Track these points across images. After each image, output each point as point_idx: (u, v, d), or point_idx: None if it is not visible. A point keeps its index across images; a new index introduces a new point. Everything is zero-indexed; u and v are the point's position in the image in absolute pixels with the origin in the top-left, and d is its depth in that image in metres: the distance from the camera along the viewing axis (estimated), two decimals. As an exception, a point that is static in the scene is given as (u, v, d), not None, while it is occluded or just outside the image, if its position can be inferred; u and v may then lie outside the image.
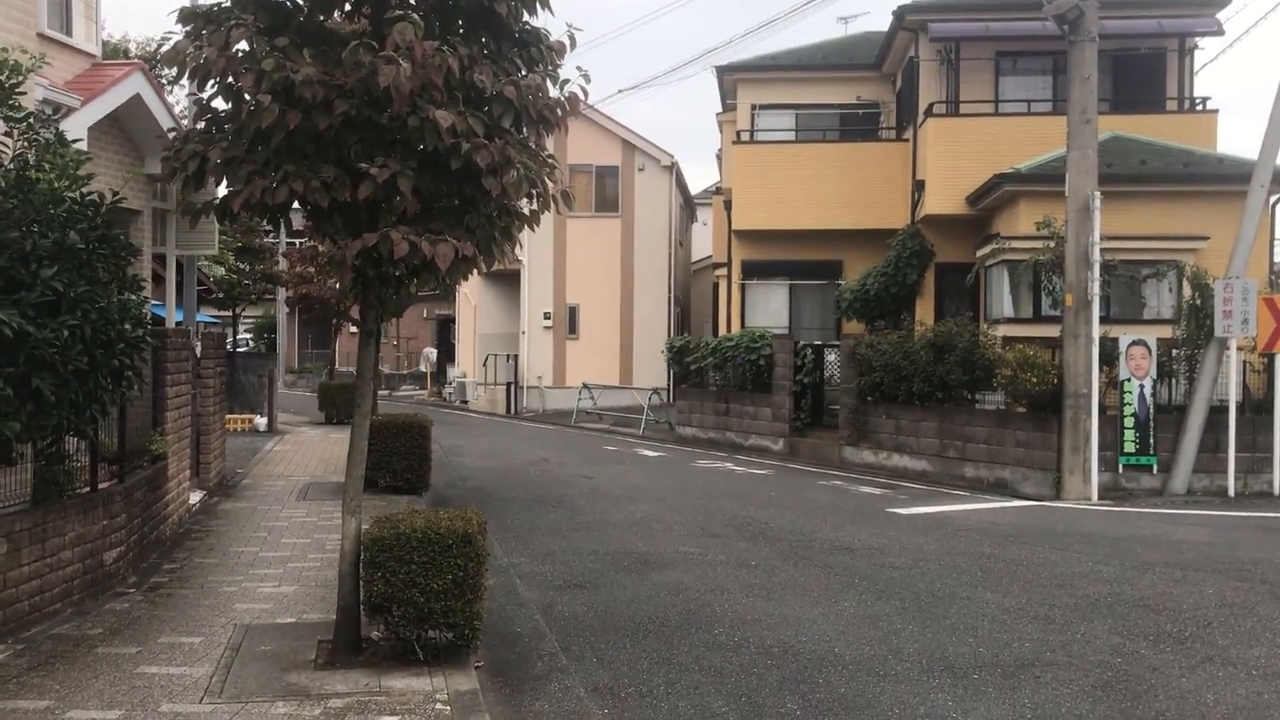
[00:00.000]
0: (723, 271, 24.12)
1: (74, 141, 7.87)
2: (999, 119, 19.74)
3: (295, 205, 6.36)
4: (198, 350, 12.96)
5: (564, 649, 7.10)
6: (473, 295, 33.19)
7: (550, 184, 6.64)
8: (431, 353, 43.16)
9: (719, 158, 34.20)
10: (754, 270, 22.78)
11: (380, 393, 28.89)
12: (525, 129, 6.51)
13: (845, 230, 21.69)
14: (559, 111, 6.49)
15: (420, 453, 13.43)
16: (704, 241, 40.78)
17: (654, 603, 8.35)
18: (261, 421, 22.12)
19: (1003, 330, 16.94)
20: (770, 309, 22.66)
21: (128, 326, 7.26)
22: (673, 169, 30.76)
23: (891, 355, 16.85)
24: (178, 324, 14.51)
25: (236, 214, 6.39)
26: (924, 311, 19.88)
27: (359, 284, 6.73)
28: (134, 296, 7.55)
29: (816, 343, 19.87)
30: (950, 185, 19.14)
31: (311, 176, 5.92)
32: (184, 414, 10.90)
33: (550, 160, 6.75)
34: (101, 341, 6.95)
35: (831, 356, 19.17)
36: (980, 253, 18.59)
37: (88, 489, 7.82)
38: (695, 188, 40.09)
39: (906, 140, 21.59)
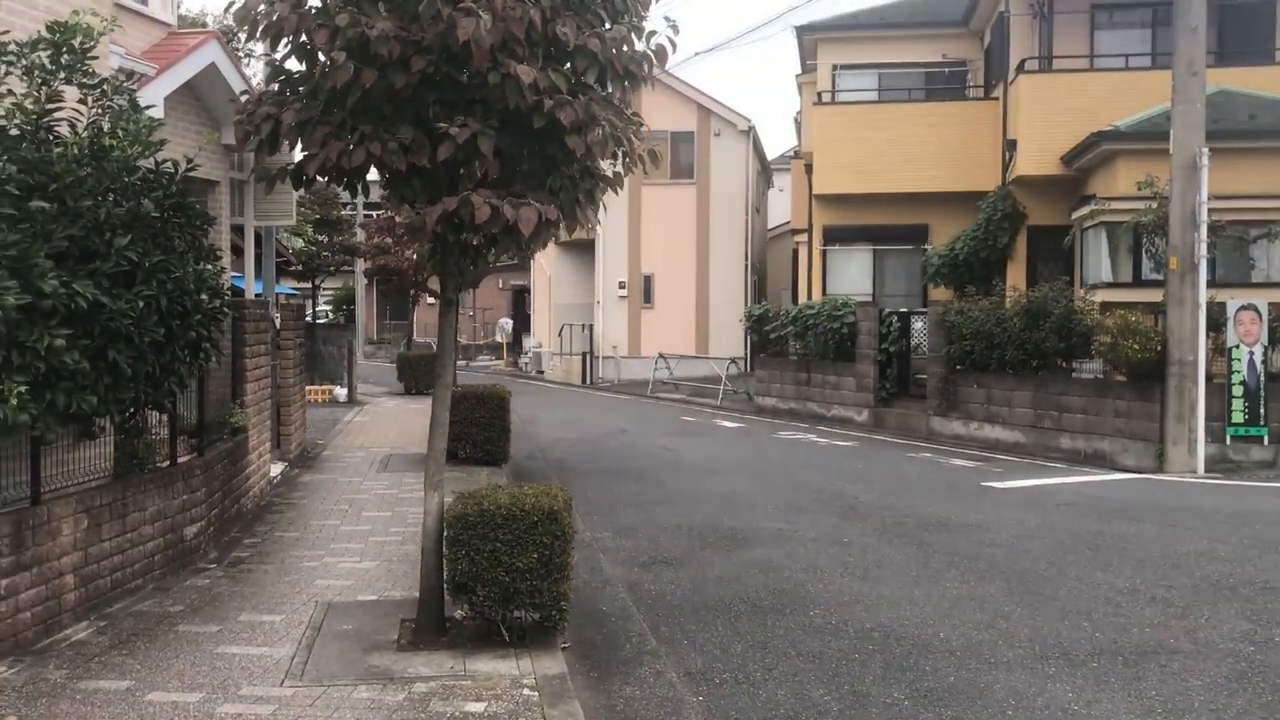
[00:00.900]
0: (803, 237, 23.55)
1: (148, 108, 7.73)
2: (1095, 74, 18.82)
3: (373, 172, 6.12)
4: (277, 321, 12.90)
5: (653, 630, 6.81)
6: (547, 265, 33.02)
7: (636, 142, 6.28)
8: (507, 323, 43.20)
9: (797, 122, 33.48)
10: (836, 235, 22.17)
11: (457, 363, 28.88)
12: (610, 85, 6.14)
13: (931, 193, 20.95)
14: (645, 66, 6.11)
15: (500, 424, 13.24)
16: (780, 208, 40.09)
17: (744, 582, 8.02)
18: (341, 392, 22.21)
19: (1101, 295, 16.18)
20: (852, 276, 22.05)
21: (204, 297, 7.10)
22: (750, 134, 30.13)
23: (983, 322, 16.21)
24: (257, 295, 14.49)
25: (312, 179, 6.16)
26: (1015, 276, 19.12)
27: (438, 252, 6.46)
28: (210, 266, 7.39)
29: (902, 310, 19.26)
30: (1043, 145, 18.31)
31: (389, 138, 5.64)
32: (263, 386, 10.81)
33: (636, 118, 6.38)
34: (177, 313, 6.80)
35: (919, 324, 18.55)
36: (1076, 215, 17.79)
37: (167, 463, 7.71)
38: (772, 153, 39.34)
39: (996, 99, 20.74)
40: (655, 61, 6.15)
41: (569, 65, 5.83)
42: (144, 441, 7.49)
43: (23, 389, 5.36)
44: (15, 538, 5.83)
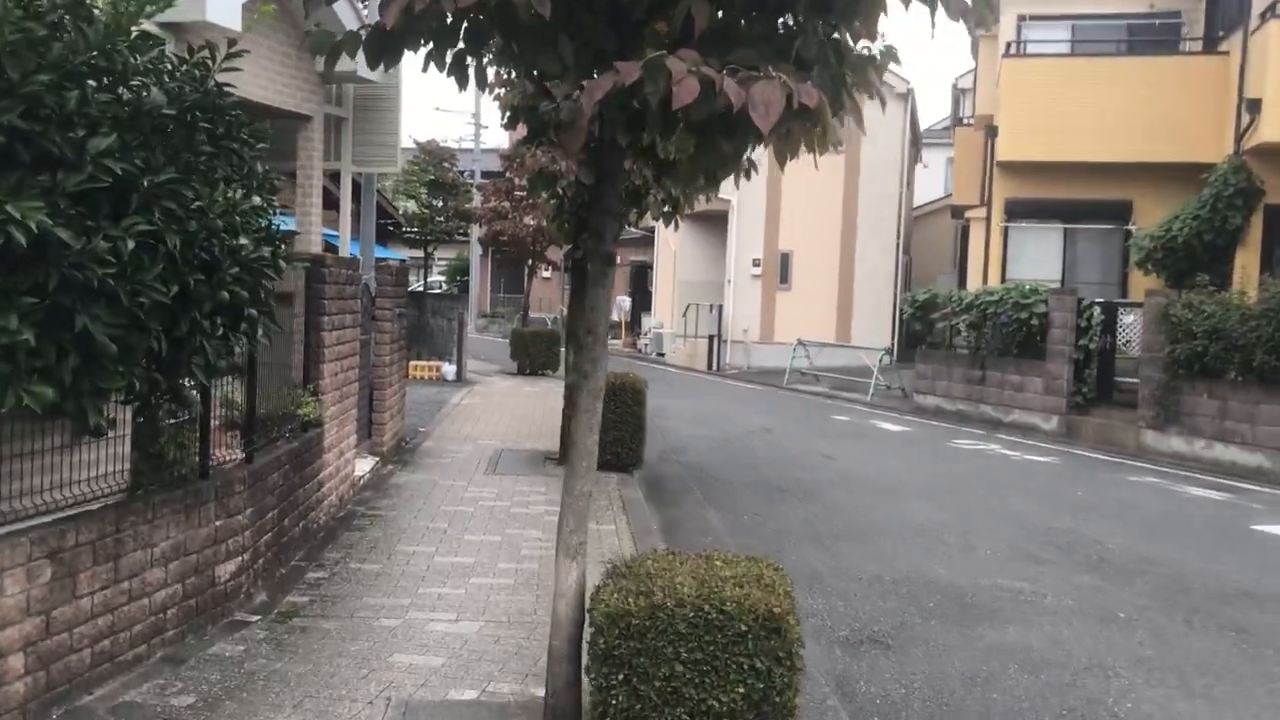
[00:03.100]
0: (977, 213, 20.53)
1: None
2: (1361, 21, 15.42)
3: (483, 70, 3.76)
4: (372, 286, 10.72)
5: (903, 789, 4.31)
6: (672, 240, 30.51)
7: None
8: (625, 301, 40.87)
9: (957, 89, 30.27)
10: (1020, 210, 19.10)
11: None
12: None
13: (1136, 164, 17.76)
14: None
15: (633, 421, 10.86)
16: (927, 185, 36.86)
17: (1004, 687, 5.46)
18: (450, 370, 20.19)
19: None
20: (1037, 258, 18.99)
21: (244, 242, 4.81)
22: (908, 97, 27.09)
23: (1222, 319, 13.17)
24: (352, 257, 12.36)
25: (397, 45, 3.79)
26: (1247, 263, 15.92)
27: (593, 167, 4.03)
28: (259, 200, 5.11)
29: (1106, 300, 16.22)
30: (1296, 105, 15.06)
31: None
32: (349, 366, 8.60)
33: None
34: (199, 262, 4.53)
35: (1129, 318, 15.53)
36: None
37: (196, 476, 5.49)
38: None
39: (1224, 53, 17.43)
40: None
41: None
42: (159, 446, 5.30)
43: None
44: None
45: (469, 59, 3.97)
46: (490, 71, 4.48)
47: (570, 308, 11.63)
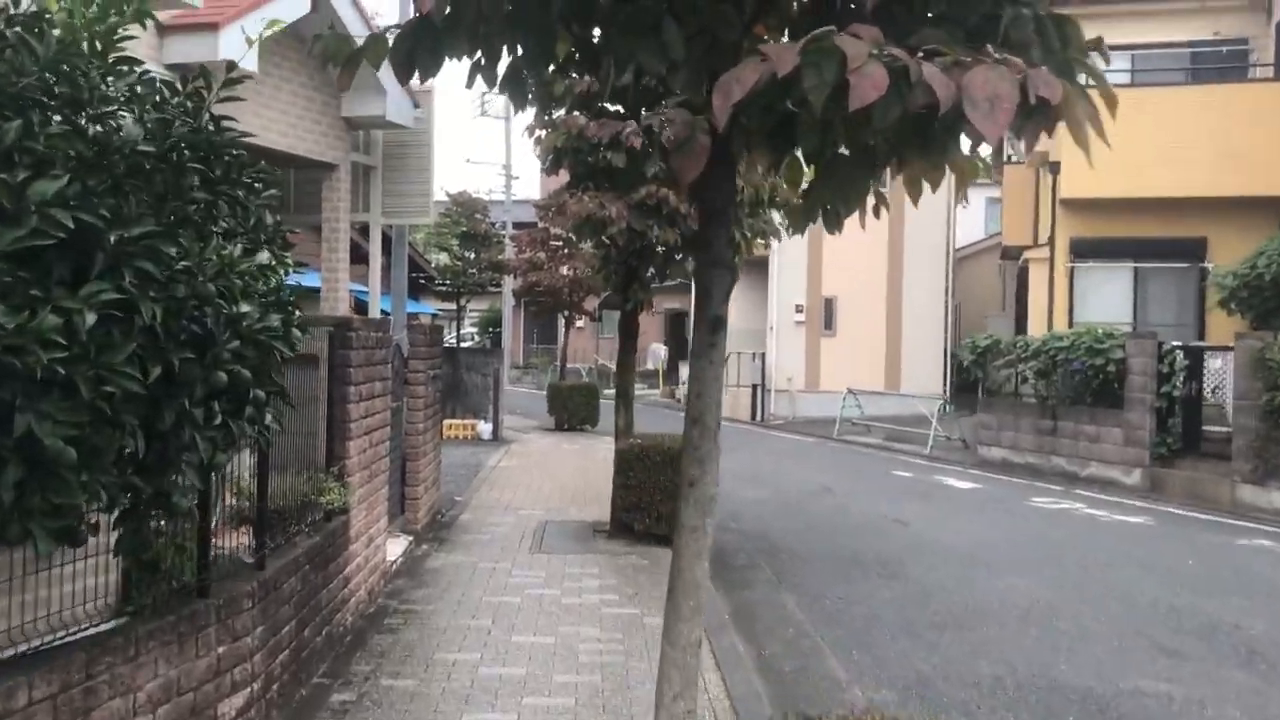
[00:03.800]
0: (1038, 253, 19.40)
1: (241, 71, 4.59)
2: None
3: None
4: (404, 348, 9.80)
5: None
6: (712, 286, 29.56)
7: None
8: (660, 349, 39.92)
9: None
10: (1087, 250, 18.00)
11: (605, 390, 25.65)
12: None
13: (1210, 198, 16.69)
14: None
15: (692, 491, 9.79)
16: (966, 226, 35.77)
17: None
18: (486, 428, 19.25)
19: None
20: (1105, 300, 17.87)
21: (245, 309, 3.86)
22: (953, 135, 26.12)
23: (1331, 363, 12.03)
24: (383, 314, 11.49)
25: (436, 47, 2.84)
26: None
27: (703, 201, 3.04)
28: (266, 257, 4.18)
29: (1189, 344, 15.07)
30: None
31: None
32: (379, 439, 7.64)
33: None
34: (189, 337, 3.59)
35: (1216, 362, 14.37)
36: None
37: (194, 593, 4.51)
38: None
39: (1303, 79, 16.41)
40: None
41: None
42: (175, 544, 4.37)
43: None
44: None
45: (526, 73, 3.00)
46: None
47: (619, 364, 10.67)
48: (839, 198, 3.17)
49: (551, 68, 3.10)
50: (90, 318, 3.11)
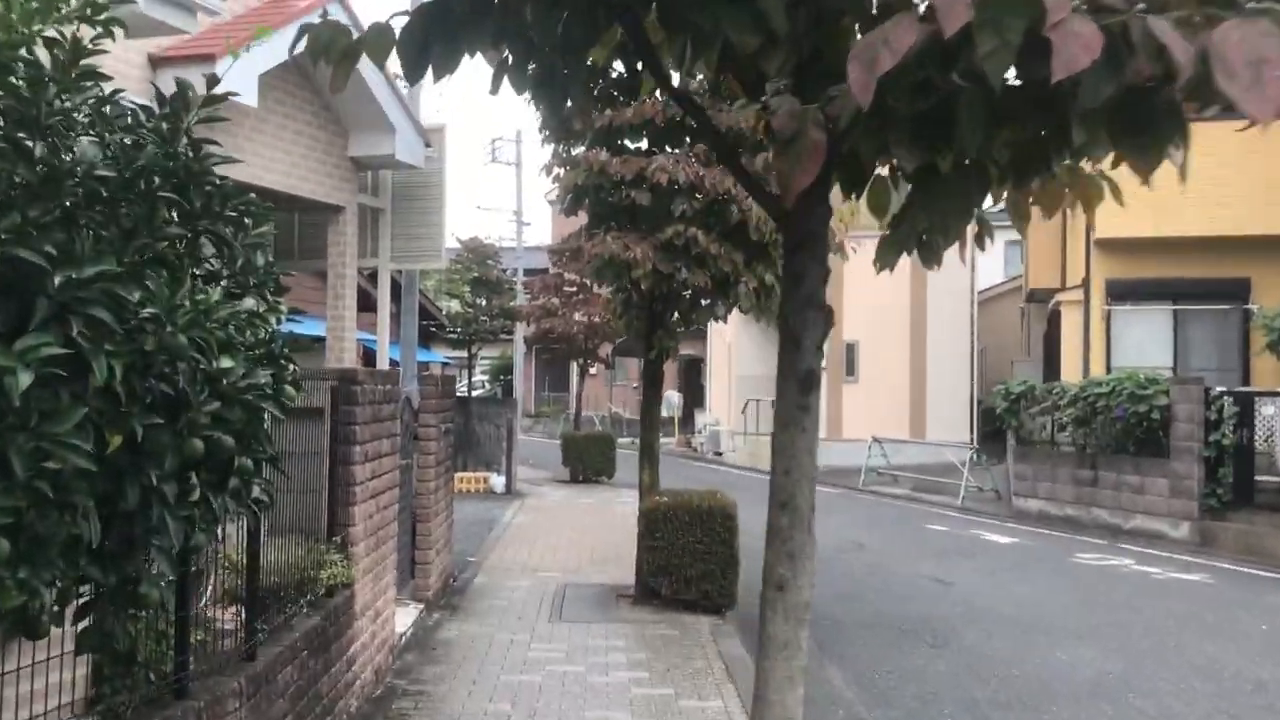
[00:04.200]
0: (1070, 295, 18.73)
1: (230, 95, 4.05)
2: None
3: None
4: (415, 400, 9.18)
5: None
6: (726, 332, 28.97)
7: None
8: (675, 396, 39.19)
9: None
10: (1124, 292, 17.34)
11: (620, 439, 24.95)
12: None
13: (1253, 237, 16.07)
14: None
15: (724, 552, 9.14)
16: (986, 269, 35.17)
17: None
18: (499, 481, 18.58)
19: None
20: (1144, 344, 17.18)
21: (226, 364, 3.25)
22: (974, 177, 25.62)
23: (1397, 409, 11.32)
24: (392, 364, 10.89)
25: (453, 39, 2.26)
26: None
27: (794, 222, 2.43)
28: (252, 303, 3.59)
29: (1239, 389, 14.37)
30: None
31: None
32: (386, 503, 7.00)
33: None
34: (158, 398, 3.00)
35: (1269, 409, 13.65)
36: None
37: (171, 694, 3.87)
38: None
39: (1345, 112, 15.80)
40: None
41: None
42: (156, 631, 3.76)
43: None
44: None
45: (564, 69, 2.41)
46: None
47: (643, 416, 10.04)
48: (939, 225, 2.56)
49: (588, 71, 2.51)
50: (25, 378, 2.51)
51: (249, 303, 3.64)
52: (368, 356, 12.59)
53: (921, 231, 2.69)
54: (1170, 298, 17.12)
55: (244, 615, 4.50)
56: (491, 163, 38.36)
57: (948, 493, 19.23)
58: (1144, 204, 16.00)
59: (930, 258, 2.81)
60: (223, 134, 3.77)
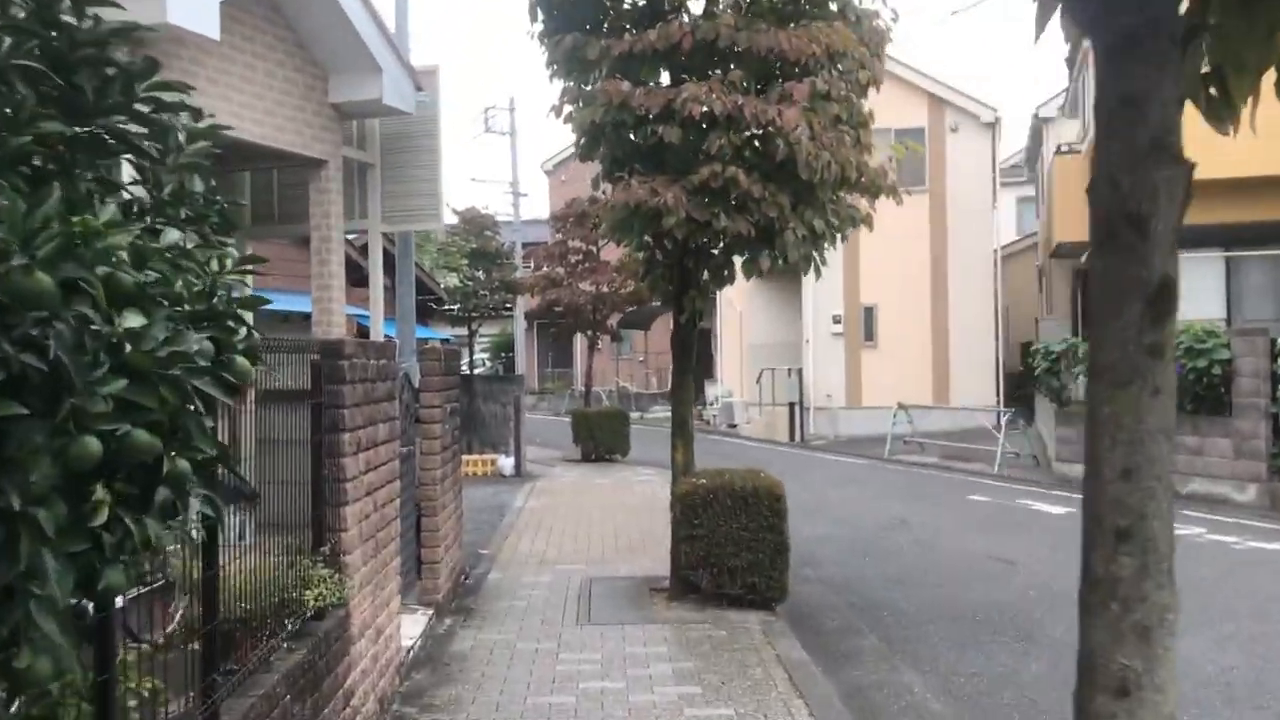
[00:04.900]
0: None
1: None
2: None
3: None
4: (414, 378, 8.08)
5: None
6: (737, 299, 27.81)
7: None
8: (682, 368, 38.20)
9: (1040, 121, 27.60)
10: (1170, 240, 16.22)
11: (630, 414, 23.80)
12: None
13: (1313, 175, 14.93)
14: None
15: (773, 540, 8.06)
16: (1005, 223, 34.02)
17: None
18: (507, 464, 17.51)
19: None
20: (1192, 294, 15.85)
21: (134, 323, 2.15)
22: (994, 127, 24.43)
23: None
24: (387, 338, 9.75)
25: None
26: None
27: None
28: (177, 236, 2.50)
29: (1310, 339, 13.30)
30: None
31: None
32: (385, 499, 5.91)
33: None
34: (13, 376, 1.90)
35: (1345, 359, 12.59)
36: None
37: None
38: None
39: None
40: None
41: None
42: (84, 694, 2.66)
43: None
44: None
45: None
46: None
47: (674, 389, 8.96)
48: (1232, 57, 1.44)
49: None
50: None
51: (173, 235, 2.55)
52: (361, 334, 11.48)
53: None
54: (1221, 244, 15.98)
55: (203, 666, 3.41)
56: (485, 133, 37.10)
57: (981, 460, 18.18)
58: (1188, 142, 14.86)
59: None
60: (183, 76, 2.69)
